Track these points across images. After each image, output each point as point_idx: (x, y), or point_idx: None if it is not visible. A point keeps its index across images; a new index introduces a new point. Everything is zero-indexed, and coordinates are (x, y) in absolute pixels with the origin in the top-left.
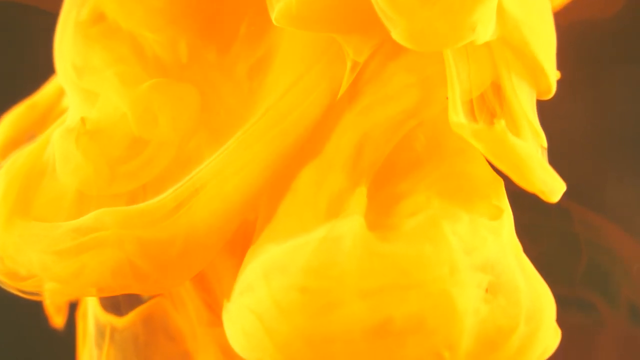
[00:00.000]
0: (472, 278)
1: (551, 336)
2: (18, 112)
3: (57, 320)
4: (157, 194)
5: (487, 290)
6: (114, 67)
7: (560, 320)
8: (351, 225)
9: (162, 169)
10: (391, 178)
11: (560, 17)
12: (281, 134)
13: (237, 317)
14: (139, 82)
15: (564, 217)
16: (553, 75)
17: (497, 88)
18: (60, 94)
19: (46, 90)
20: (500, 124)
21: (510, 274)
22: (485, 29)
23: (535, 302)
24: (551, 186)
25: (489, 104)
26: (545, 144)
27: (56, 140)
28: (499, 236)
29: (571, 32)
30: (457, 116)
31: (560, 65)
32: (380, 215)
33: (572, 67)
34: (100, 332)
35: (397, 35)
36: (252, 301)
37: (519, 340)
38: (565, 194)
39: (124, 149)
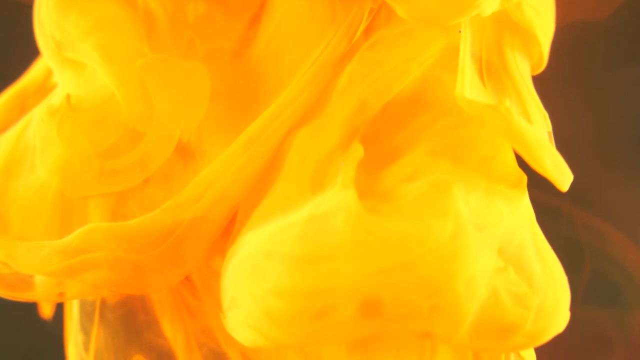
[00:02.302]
0: (482, 263)
1: (563, 323)
2: (5, 99)
3: (46, 310)
4: (151, 195)
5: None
6: (92, 36)
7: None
8: (340, 198)
9: (159, 166)
10: (385, 128)
11: (557, 18)
12: (292, 114)
13: (236, 330)
14: (127, 56)
15: (564, 220)
16: (547, 52)
17: (502, 64)
18: (49, 71)
19: (35, 71)
20: (504, 104)
21: (526, 258)
22: (489, 5)
23: (551, 291)
24: (561, 172)
25: (498, 78)
26: (550, 127)
27: (36, 124)
28: (517, 210)
29: (569, 33)
30: (463, 89)
31: (558, 66)
32: (372, 176)
33: (570, 68)
34: (87, 313)
35: (401, 11)
36: (243, 315)
37: (528, 332)
38: (565, 197)
39: (116, 139)
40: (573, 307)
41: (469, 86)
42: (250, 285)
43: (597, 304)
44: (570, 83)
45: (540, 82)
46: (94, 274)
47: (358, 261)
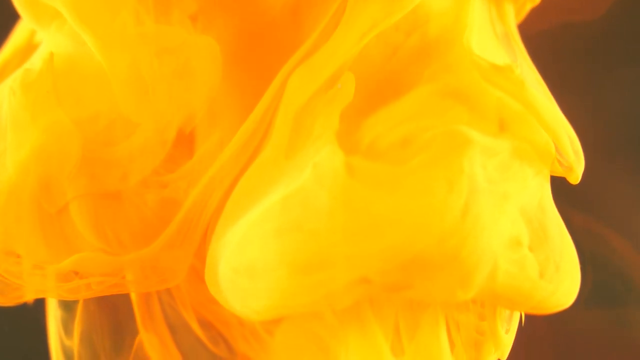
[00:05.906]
0: (495, 244)
1: (571, 301)
2: None
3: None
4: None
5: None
6: None
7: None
8: (321, 160)
9: (155, 165)
10: (379, 54)
11: (555, 18)
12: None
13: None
14: (110, 22)
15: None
16: (528, 9)
17: (508, 27)
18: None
19: (18, 31)
20: (513, 70)
21: (548, 228)
22: None
23: (566, 273)
24: (577, 155)
25: (508, 42)
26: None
27: (7, 99)
28: (541, 175)
29: (568, 33)
30: (470, 40)
31: (557, 66)
32: (362, 119)
33: (569, 68)
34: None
35: None
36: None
37: (535, 305)
38: (565, 198)
39: (105, 124)
40: (573, 310)
41: (476, 40)
42: (248, 306)
43: (597, 306)
44: (569, 83)
45: None
46: (94, 292)
47: (353, 262)
